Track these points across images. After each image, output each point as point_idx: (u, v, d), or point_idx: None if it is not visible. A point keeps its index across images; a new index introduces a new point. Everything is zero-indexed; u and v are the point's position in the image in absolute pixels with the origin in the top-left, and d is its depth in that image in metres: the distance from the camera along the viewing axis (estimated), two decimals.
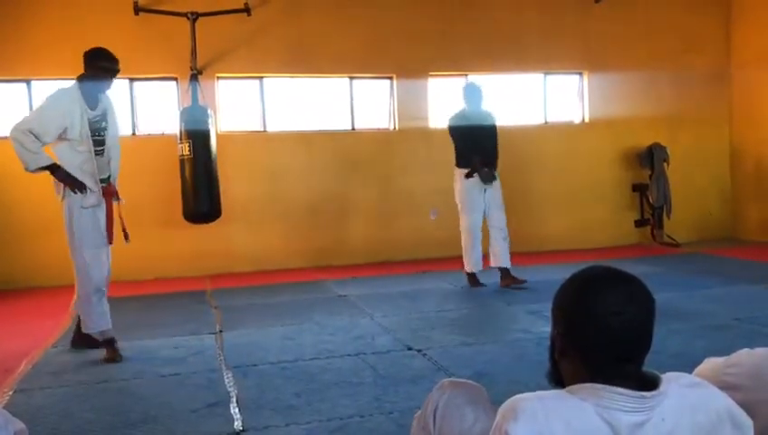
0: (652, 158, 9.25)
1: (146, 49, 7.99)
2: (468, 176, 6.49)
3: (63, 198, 4.41)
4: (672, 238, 9.22)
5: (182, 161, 7.51)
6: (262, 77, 8.56)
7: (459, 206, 6.67)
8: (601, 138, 9.45)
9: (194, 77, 7.80)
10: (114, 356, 4.46)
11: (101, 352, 4.52)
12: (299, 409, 3.35)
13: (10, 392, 3.77)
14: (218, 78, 8.39)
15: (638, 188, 9.52)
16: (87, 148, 4.41)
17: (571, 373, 1.39)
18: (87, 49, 4.57)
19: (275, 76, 8.62)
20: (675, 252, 8.75)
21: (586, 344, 1.34)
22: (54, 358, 4.58)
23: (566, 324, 1.39)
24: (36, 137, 4.24)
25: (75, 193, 4.37)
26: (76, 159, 4.38)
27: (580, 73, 9.54)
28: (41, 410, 3.50)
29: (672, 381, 1.35)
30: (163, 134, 8.24)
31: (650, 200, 9.40)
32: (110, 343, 4.54)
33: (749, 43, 9.50)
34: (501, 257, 6.54)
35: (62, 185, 4.38)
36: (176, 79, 8.25)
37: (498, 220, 6.57)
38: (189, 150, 7.43)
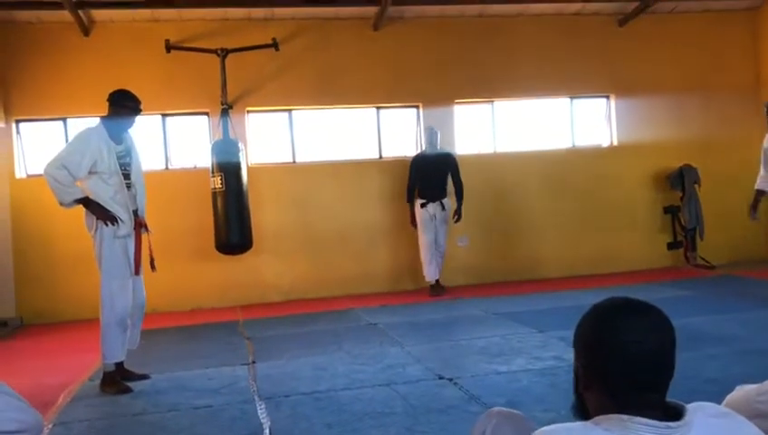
0: (683, 179, 9.16)
1: (177, 85, 8.20)
2: (423, 205, 8.09)
3: (96, 230, 4.60)
4: (706, 261, 9.09)
5: (214, 194, 7.65)
6: (290, 109, 8.70)
7: (418, 228, 8.18)
8: (631, 160, 9.39)
9: (224, 111, 7.96)
10: (124, 389, 4.57)
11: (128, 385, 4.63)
12: None
13: (50, 426, 3.85)
14: (248, 111, 8.55)
15: (670, 211, 9.42)
16: (117, 180, 4.64)
17: (597, 405, 1.40)
18: (114, 90, 4.82)
19: (303, 108, 8.76)
20: (709, 274, 8.62)
21: (608, 375, 1.36)
22: (91, 391, 4.66)
23: (588, 356, 1.40)
24: (69, 172, 4.47)
25: (107, 225, 4.55)
26: (108, 192, 4.60)
27: (607, 97, 9.52)
28: None
29: (698, 411, 1.35)
30: (195, 168, 8.40)
31: (682, 222, 9.29)
32: (121, 375, 4.66)
33: None
34: (436, 271, 8.22)
35: (93, 218, 4.58)
36: (207, 113, 8.43)
37: (440, 241, 8.16)
38: (221, 183, 7.57)
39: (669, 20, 9.45)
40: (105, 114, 4.76)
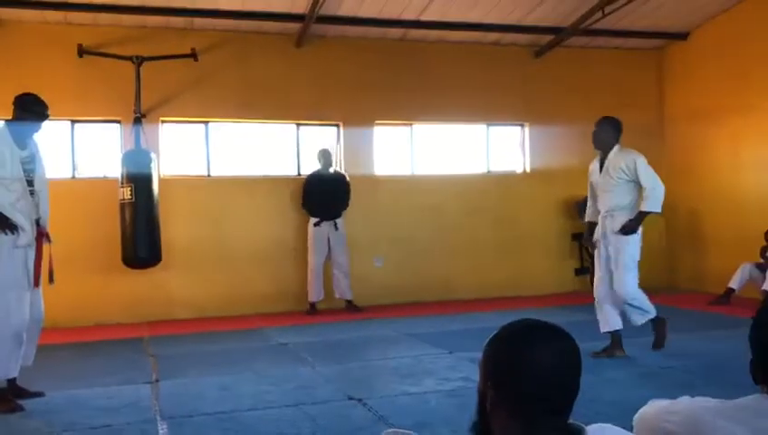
0: None
1: (89, 91, 7.90)
2: (316, 224, 8.22)
3: None
4: None
5: (123, 205, 7.40)
6: (207, 121, 8.54)
7: (308, 248, 8.30)
8: (542, 187, 9.69)
9: (137, 120, 7.73)
10: (14, 408, 4.31)
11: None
12: None
13: None
14: (162, 121, 8.33)
15: (578, 237, 9.74)
16: (20, 187, 4.42)
17: (502, 426, 1.40)
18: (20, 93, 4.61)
19: (221, 121, 8.61)
20: None
21: (521, 398, 1.35)
22: None
23: (497, 378, 1.39)
24: None
25: (6, 234, 4.31)
26: (9, 199, 4.38)
27: (522, 125, 9.81)
28: None
29: (597, 433, 1.37)
30: (104, 177, 8.10)
31: (588, 249, 9.61)
32: (13, 393, 4.42)
33: (680, 99, 9.96)
34: (346, 291, 8.32)
35: None
36: (119, 122, 8.16)
37: (340, 261, 8.25)
38: (131, 194, 7.33)
39: (582, 54, 9.85)
40: (9, 117, 4.55)
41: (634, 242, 5.56)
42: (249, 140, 8.86)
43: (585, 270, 9.72)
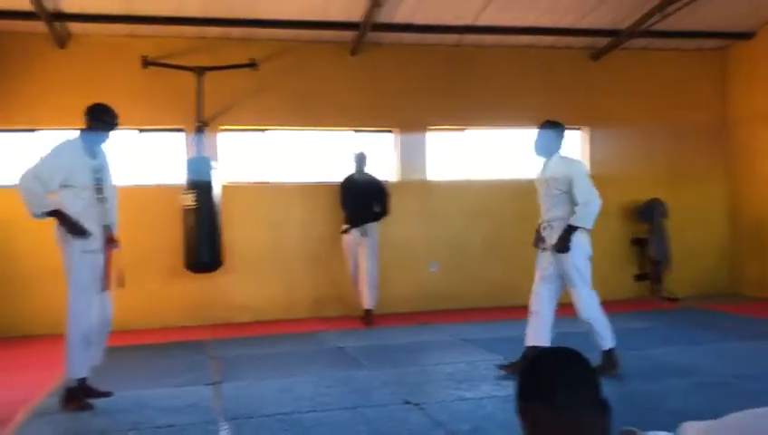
0: (651, 212, 9.33)
1: (154, 101, 8.17)
2: (344, 232, 7.97)
3: (66, 243, 4.55)
4: (671, 293, 9.23)
5: (186, 211, 7.61)
6: (265, 129, 8.72)
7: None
8: (601, 191, 9.37)
9: (199, 129, 7.96)
10: (84, 406, 4.50)
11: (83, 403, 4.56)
12: None
13: None
14: (223, 130, 8.54)
15: (638, 243, 9.58)
16: (89, 195, 4.62)
17: None
18: (91, 103, 4.81)
19: (279, 128, 8.78)
20: (674, 307, 8.74)
21: (549, 431, 1.39)
22: (51, 407, 4.57)
23: (529, 406, 1.43)
24: (41, 184, 4.46)
25: (77, 238, 4.50)
26: (78, 206, 4.56)
27: (579, 129, 9.69)
28: None
29: None
30: (168, 184, 8.34)
31: (650, 255, 9.44)
32: (84, 392, 4.60)
33: (743, 101, 9.68)
34: (365, 299, 7.88)
35: (63, 231, 4.53)
36: (182, 130, 8.41)
37: (364, 269, 7.83)
38: (194, 201, 7.53)
39: (641, 56, 9.68)
40: (82, 127, 4.74)
41: (578, 255, 5.18)
42: (306, 147, 9.00)
43: (645, 276, 9.53)
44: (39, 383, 5.29)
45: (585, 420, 1.36)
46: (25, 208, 4.50)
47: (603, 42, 9.28)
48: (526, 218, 9.20)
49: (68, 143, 4.68)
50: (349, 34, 8.55)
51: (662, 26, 8.61)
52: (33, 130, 8.09)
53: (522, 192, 9.26)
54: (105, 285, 4.74)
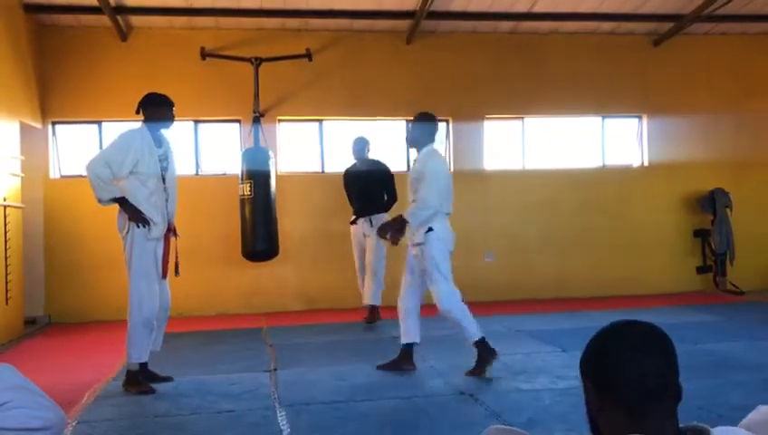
0: (714, 203, 9.04)
1: (211, 92, 8.31)
2: (352, 223, 7.43)
3: (128, 231, 4.66)
4: (735, 286, 8.94)
5: (242, 201, 7.72)
6: (321, 120, 8.77)
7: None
8: (661, 181, 9.30)
9: (256, 119, 8.05)
10: (146, 390, 4.62)
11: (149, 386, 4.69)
12: None
13: (74, 423, 3.90)
14: (279, 120, 8.63)
15: (700, 234, 9.30)
16: (155, 183, 4.73)
17: (611, 429, 1.39)
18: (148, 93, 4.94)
19: (334, 119, 8.82)
20: (738, 300, 8.48)
21: (620, 400, 1.35)
22: (115, 390, 4.71)
23: (598, 381, 1.40)
24: (111, 170, 4.58)
25: (139, 227, 4.62)
26: (143, 193, 4.68)
27: (639, 117, 9.45)
28: None
29: None
30: (225, 174, 8.49)
31: (713, 246, 9.16)
32: (145, 376, 4.74)
33: None
34: (367, 294, 7.25)
35: (125, 219, 4.65)
36: (239, 121, 8.53)
37: (369, 262, 7.21)
38: (250, 190, 7.64)
39: (704, 41, 9.38)
40: (143, 117, 4.85)
41: (437, 249, 4.98)
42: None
43: (708, 268, 9.26)
44: (103, 367, 5.45)
45: (655, 408, 1.32)
46: (93, 193, 4.61)
47: (666, 27, 9.02)
48: (584, 209, 9.09)
49: (136, 131, 4.76)
50: (403, 23, 8.52)
51: (727, 10, 8.32)
52: (97, 122, 8.32)
53: (580, 182, 9.15)
54: (164, 273, 4.85)
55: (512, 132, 9.26)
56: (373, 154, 7.58)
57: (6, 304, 6.76)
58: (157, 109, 4.83)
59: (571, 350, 5.61)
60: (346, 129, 8.94)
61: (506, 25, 8.87)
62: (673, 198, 9.37)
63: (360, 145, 7.38)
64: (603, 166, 9.39)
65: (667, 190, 9.33)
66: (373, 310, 7.29)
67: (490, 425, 3.38)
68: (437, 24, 8.64)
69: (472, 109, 8.97)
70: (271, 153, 7.92)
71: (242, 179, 7.72)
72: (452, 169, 8.91)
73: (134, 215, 4.62)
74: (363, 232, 7.28)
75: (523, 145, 9.22)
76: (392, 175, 7.40)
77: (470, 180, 8.85)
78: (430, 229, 4.95)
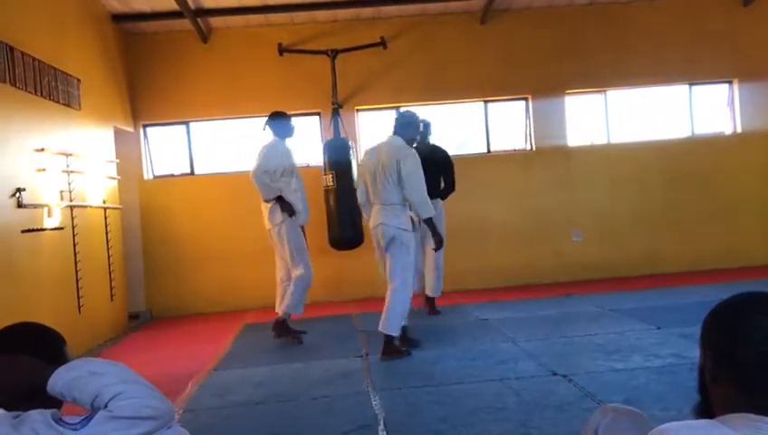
0: None
1: (290, 87, 8.47)
2: None
3: (282, 221, 5.78)
4: None
5: (326, 191, 7.87)
6: (398, 106, 8.80)
7: None
8: (756, 149, 8.87)
9: (335, 111, 8.17)
10: (297, 341, 5.90)
11: (258, 371, 4.86)
12: (445, 433, 3.42)
13: (179, 412, 4.11)
14: (357, 110, 8.72)
15: None
16: (297, 181, 5.90)
17: (723, 401, 1.36)
18: (274, 110, 6.19)
19: (412, 105, 8.82)
20: None
21: (740, 372, 1.32)
22: (217, 380, 4.93)
23: (718, 350, 1.36)
24: (270, 175, 5.74)
25: (292, 217, 5.77)
26: (291, 189, 5.82)
27: (730, 82, 9.03)
28: (207, 429, 3.80)
29: None
30: (308, 166, 8.66)
31: None
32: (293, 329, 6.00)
33: None
34: (429, 285, 6.94)
35: (278, 211, 5.77)
36: (318, 113, 8.67)
37: (429, 252, 6.68)
38: (333, 181, 7.78)
39: None
40: (273, 132, 5.95)
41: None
42: (439, 121, 8.99)
43: None
44: (204, 359, 5.70)
45: None
46: (261, 195, 5.80)
47: None
48: (674, 181, 8.78)
49: (277, 143, 5.89)
50: (477, 3, 8.43)
51: None
52: (185, 123, 8.63)
53: (669, 154, 8.84)
54: None
55: (594, 106, 9.03)
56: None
57: (111, 300, 7.16)
58: (285, 123, 5.99)
59: (665, 327, 5.46)
60: (424, 113, 8.92)
61: None
62: (765, 167, 8.91)
63: (425, 128, 6.81)
64: (692, 135, 9.03)
65: (764, 157, 8.89)
66: (432, 302, 7.03)
67: (588, 406, 3.34)
68: (512, 1, 8.50)
69: (552, 84, 8.79)
70: (351, 143, 8.02)
71: (325, 170, 7.86)
72: (534, 147, 8.80)
73: (288, 208, 5.75)
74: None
75: (607, 118, 8.98)
76: (452, 162, 7.01)
77: (553, 158, 8.71)
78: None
